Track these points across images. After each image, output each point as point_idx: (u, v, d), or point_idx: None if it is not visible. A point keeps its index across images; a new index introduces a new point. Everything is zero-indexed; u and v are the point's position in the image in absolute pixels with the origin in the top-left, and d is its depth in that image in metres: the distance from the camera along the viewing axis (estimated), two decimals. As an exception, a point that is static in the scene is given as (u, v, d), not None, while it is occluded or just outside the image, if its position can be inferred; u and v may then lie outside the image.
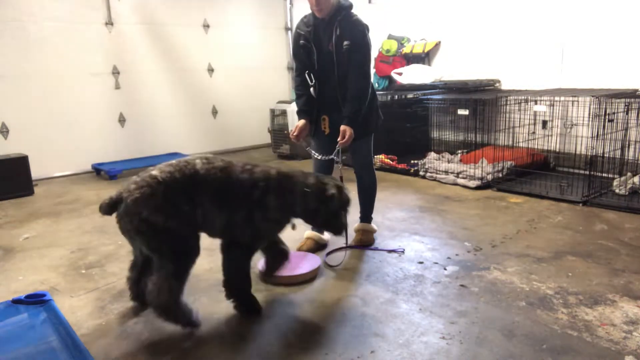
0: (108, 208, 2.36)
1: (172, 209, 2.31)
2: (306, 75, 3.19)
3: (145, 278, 2.52)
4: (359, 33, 3.06)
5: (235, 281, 2.59)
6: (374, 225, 3.58)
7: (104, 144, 6.44)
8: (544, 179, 4.72)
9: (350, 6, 3.13)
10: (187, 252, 2.40)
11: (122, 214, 2.33)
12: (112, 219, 4.43)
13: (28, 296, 2.63)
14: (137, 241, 2.39)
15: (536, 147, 5.23)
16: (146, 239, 2.33)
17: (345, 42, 3.02)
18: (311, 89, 3.21)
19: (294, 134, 3.22)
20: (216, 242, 3.66)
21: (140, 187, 2.29)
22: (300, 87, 3.25)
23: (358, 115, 3.11)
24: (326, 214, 2.57)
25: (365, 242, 3.48)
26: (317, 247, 3.43)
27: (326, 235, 3.49)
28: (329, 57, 3.10)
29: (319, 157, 3.30)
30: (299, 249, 3.35)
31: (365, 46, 3.09)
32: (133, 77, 6.60)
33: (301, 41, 3.17)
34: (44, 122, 5.94)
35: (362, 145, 3.32)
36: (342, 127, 3.09)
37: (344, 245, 3.24)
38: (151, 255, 2.39)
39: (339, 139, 3.10)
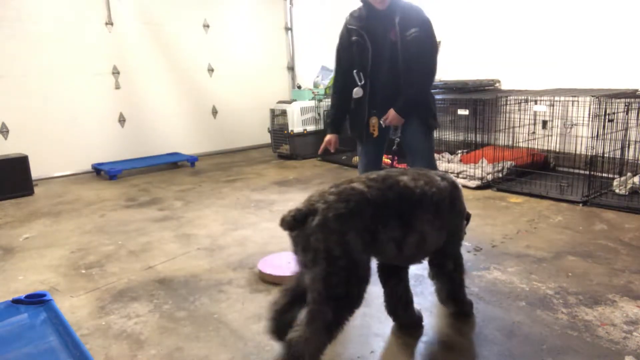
0: (294, 222, 1.88)
1: (371, 237, 1.92)
2: (354, 74, 2.98)
3: (295, 310, 2.10)
4: (425, 19, 2.91)
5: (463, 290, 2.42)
6: None
7: (104, 144, 6.44)
8: (544, 179, 4.72)
9: None
10: (355, 300, 1.92)
11: (315, 229, 1.84)
12: (112, 219, 4.45)
13: (28, 296, 2.63)
14: (317, 268, 1.85)
15: (536, 147, 5.23)
16: (331, 268, 1.83)
17: (413, 30, 2.83)
18: (356, 90, 2.99)
19: (321, 148, 3.14)
20: (216, 242, 3.68)
21: (344, 200, 1.88)
22: (338, 95, 3.10)
23: (411, 103, 2.95)
24: None
25: None
26: None
27: None
28: (391, 48, 2.88)
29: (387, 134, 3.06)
30: None
31: (433, 32, 2.93)
32: (133, 77, 6.60)
33: (353, 37, 2.94)
34: (44, 122, 5.94)
35: (423, 147, 3.07)
36: (390, 110, 2.92)
37: None
38: (315, 293, 1.88)
39: (382, 119, 2.95)
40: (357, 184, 1.96)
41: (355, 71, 2.98)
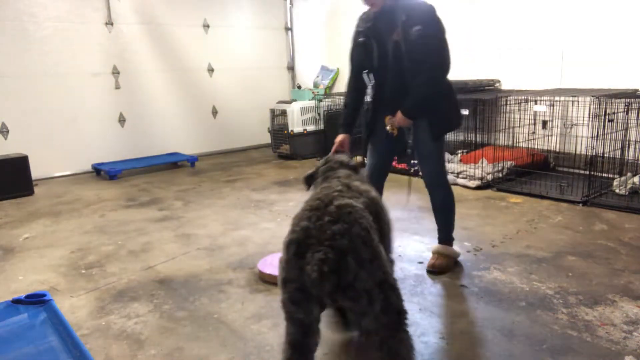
0: (333, 275, 1.57)
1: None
2: (364, 75, 2.93)
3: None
4: (428, 14, 2.72)
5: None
6: (456, 248, 3.17)
7: (104, 144, 6.44)
8: (544, 179, 4.72)
9: None
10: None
11: (356, 270, 1.61)
12: (112, 219, 4.45)
13: (28, 296, 2.63)
14: (376, 304, 1.64)
15: (536, 147, 5.23)
16: (388, 293, 1.68)
17: (416, 27, 2.67)
18: (369, 88, 2.95)
19: (333, 149, 2.98)
20: (216, 242, 3.68)
21: (352, 221, 1.66)
22: (350, 95, 3.05)
23: (419, 106, 2.82)
24: None
25: (438, 267, 3.04)
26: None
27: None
28: (395, 48, 2.78)
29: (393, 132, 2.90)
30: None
31: (440, 28, 2.75)
32: (133, 77, 6.60)
33: (360, 39, 2.90)
34: (44, 122, 5.94)
35: (430, 152, 2.96)
36: (397, 112, 2.82)
37: None
38: (386, 325, 1.68)
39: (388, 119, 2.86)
40: (341, 200, 1.74)
41: (365, 72, 2.92)
